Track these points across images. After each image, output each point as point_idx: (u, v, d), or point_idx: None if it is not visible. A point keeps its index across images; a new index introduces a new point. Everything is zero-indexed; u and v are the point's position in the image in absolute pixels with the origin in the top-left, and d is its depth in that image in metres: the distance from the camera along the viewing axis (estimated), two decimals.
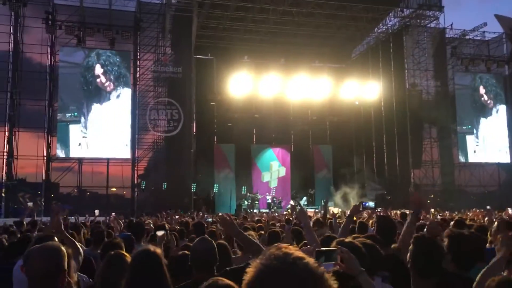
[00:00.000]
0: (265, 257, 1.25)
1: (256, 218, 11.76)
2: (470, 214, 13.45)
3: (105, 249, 4.32)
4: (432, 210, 13.97)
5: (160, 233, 5.24)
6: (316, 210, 22.21)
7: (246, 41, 28.72)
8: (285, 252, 1.26)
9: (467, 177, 29.76)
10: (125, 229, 8.26)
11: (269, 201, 27.43)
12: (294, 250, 1.27)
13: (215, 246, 3.35)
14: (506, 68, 31.70)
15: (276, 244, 1.30)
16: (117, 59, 25.23)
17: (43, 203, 23.82)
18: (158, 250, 2.85)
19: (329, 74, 28.60)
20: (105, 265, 3.18)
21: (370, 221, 8.14)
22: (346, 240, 3.08)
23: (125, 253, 3.30)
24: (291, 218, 10.86)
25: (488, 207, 15.49)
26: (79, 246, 4.40)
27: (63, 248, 2.50)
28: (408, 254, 2.95)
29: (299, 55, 28.92)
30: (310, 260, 1.25)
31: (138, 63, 25.86)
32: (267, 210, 24.89)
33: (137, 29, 25.52)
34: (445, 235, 3.47)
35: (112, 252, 3.30)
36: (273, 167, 30.25)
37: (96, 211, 14.77)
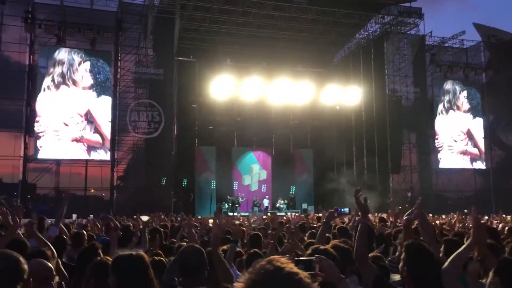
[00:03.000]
0: (255, 271, 1.17)
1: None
2: (447, 219, 13.68)
3: (83, 254, 4.26)
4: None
5: (145, 218, 5.19)
6: (297, 214, 22.34)
7: (228, 44, 28.70)
8: (276, 266, 1.18)
9: (444, 182, 30.25)
10: (104, 232, 8.17)
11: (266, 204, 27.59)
12: (286, 264, 1.20)
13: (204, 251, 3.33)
14: (483, 75, 32.35)
15: (270, 257, 1.21)
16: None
17: (20, 204, 23.33)
18: (143, 254, 2.79)
19: (311, 79, 28.77)
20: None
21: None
22: (321, 247, 3.11)
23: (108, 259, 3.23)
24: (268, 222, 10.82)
25: (465, 210, 15.75)
26: (53, 250, 4.33)
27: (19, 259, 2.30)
28: (401, 263, 2.97)
29: (281, 59, 29.01)
30: (303, 275, 1.18)
31: (119, 64, 25.59)
32: (247, 214, 24.88)
33: (119, 30, 25.28)
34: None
35: (98, 259, 3.24)
36: (254, 170, 30.28)
37: (74, 216, 14.53)
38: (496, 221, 12.02)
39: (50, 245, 4.28)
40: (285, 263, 1.22)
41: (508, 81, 30.12)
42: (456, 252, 3.10)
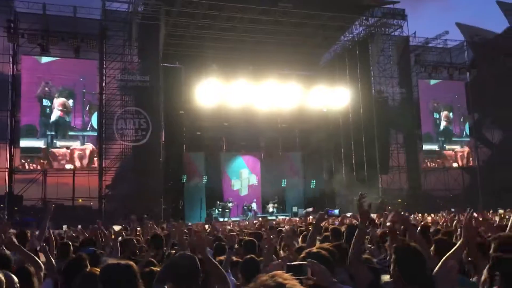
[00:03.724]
0: (256, 286, 1.13)
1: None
2: (437, 218, 13.75)
3: (69, 266, 4.17)
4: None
5: (117, 227, 5.15)
6: (297, 219, 22.29)
7: (214, 49, 28.64)
8: (278, 283, 1.15)
9: (432, 182, 30.48)
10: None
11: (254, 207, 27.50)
12: (289, 281, 1.18)
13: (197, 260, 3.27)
14: (467, 75, 32.72)
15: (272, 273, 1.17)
16: None
17: (6, 216, 23.00)
18: (131, 263, 2.74)
19: (298, 82, 28.85)
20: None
21: None
22: (314, 250, 3.08)
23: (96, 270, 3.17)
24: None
25: (452, 209, 15.81)
26: (39, 262, 4.25)
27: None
28: (392, 265, 2.95)
29: (268, 62, 29.04)
30: None
31: (104, 72, 25.40)
32: (237, 219, 24.80)
33: (103, 37, 25.09)
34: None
35: (87, 270, 3.17)
36: (243, 175, 30.25)
37: (64, 227, 14.38)
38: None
39: (34, 258, 4.19)
40: (287, 279, 1.20)
41: (492, 79, 30.49)
42: (448, 254, 3.11)
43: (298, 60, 31.23)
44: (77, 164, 24.73)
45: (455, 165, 31.34)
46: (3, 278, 2.17)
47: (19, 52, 24.50)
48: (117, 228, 11.34)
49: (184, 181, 27.64)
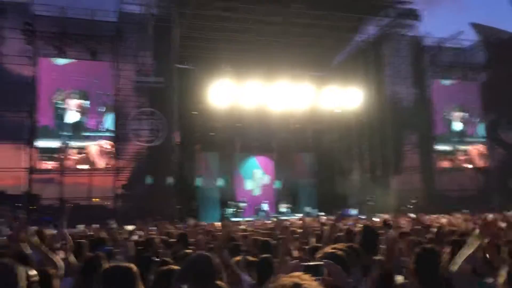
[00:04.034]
0: (276, 286, 1.16)
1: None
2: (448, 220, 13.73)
3: (87, 265, 4.34)
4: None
5: (130, 227, 5.28)
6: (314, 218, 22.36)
7: (227, 50, 28.79)
8: (295, 283, 1.20)
9: (446, 182, 30.26)
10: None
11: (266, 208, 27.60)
12: (308, 281, 1.22)
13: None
14: (483, 75, 32.41)
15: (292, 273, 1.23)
16: None
17: (23, 216, 23.42)
18: (131, 265, 2.80)
19: (311, 82, 28.86)
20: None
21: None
22: (331, 251, 3.19)
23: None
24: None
25: (463, 211, 15.78)
26: (58, 261, 4.36)
27: (17, 270, 2.35)
28: (411, 267, 2.99)
29: (281, 63, 29.06)
30: None
31: (119, 73, 25.70)
32: (251, 219, 24.91)
33: (119, 40, 25.40)
34: None
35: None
36: (256, 175, 30.37)
37: (81, 226, 14.61)
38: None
39: (52, 258, 4.31)
40: (306, 280, 1.26)
41: (508, 80, 30.19)
42: (465, 253, 3.12)
43: (310, 61, 31.21)
44: (95, 161, 25.15)
45: (469, 166, 31.09)
46: (23, 272, 2.29)
47: (37, 55, 24.93)
48: (130, 228, 11.53)
49: (199, 184, 27.90)
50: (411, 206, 25.06)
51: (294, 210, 28.76)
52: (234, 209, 27.07)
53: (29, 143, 24.45)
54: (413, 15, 28.58)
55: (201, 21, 26.53)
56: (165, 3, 25.14)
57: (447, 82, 31.43)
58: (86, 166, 25.12)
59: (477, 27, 32.33)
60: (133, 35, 25.52)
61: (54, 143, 24.67)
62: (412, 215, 11.79)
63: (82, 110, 25.25)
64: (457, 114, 31.59)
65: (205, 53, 28.87)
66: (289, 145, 31.78)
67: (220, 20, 26.45)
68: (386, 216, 15.41)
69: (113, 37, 25.30)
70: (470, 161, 31.38)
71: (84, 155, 25.12)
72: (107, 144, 25.53)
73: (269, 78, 27.86)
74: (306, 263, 2.58)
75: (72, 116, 25.08)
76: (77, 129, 25.11)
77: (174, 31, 25.37)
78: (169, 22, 24.96)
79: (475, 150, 31.71)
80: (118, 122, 25.40)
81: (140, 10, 25.41)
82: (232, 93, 26.96)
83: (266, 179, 30.42)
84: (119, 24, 25.57)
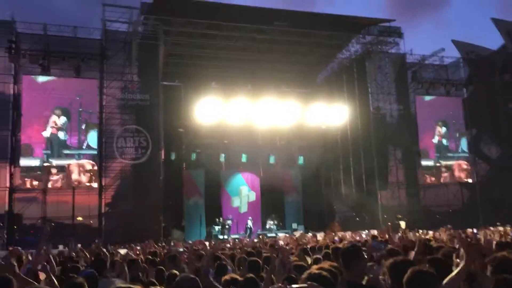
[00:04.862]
0: None
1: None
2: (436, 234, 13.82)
3: None
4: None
5: (122, 251, 5.22)
6: (287, 235, 22.33)
7: (213, 67, 28.98)
8: None
9: (432, 197, 30.49)
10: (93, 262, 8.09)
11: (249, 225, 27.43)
12: None
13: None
14: (464, 91, 32.99)
15: None
16: None
17: (6, 236, 22.97)
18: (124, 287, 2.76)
19: (296, 99, 29.06)
20: None
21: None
22: (315, 271, 3.17)
23: None
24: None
25: (448, 226, 15.88)
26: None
27: None
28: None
29: (266, 80, 29.33)
30: None
31: (104, 91, 25.60)
32: (237, 236, 24.78)
33: (103, 57, 25.35)
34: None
35: None
36: (243, 192, 30.28)
37: (60, 246, 14.40)
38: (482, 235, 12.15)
39: (30, 281, 4.20)
40: None
41: (488, 95, 30.78)
42: (450, 277, 3.11)
43: (295, 78, 31.54)
44: (78, 179, 24.82)
45: (451, 181, 31.43)
46: None
47: (20, 72, 24.74)
48: (122, 252, 11.38)
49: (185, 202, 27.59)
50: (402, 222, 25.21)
51: (280, 227, 28.69)
52: (221, 227, 26.89)
53: (11, 161, 24.09)
54: (396, 32, 29.13)
55: (186, 38, 26.68)
56: (150, 21, 25.22)
57: (429, 98, 31.89)
58: (68, 185, 24.76)
59: (458, 44, 33.00)
60: (118, 53, 25.50)
61: (36, 162, 24.31)
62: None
63: (58, 126, 24.91)
64: (440, 130, 32.01)
65: (191, 70, 29.02)
66: (276, 162, 31.81)
67: (205, 37, 26.63)
68: (374, 232, 15.45)
69: (98, 55, 25.23)
70: (453, 176, 31.70)
71: (66, 173, 24.77)
72: (89, 163, 25.24)
73: (255, 95, 28.01)
74: (289, 285, 2.57)
75: (54, 134, 24.76)
76: (55, 147, 24.76)
77: (159, 48, 25.43)
78: (154, 40, 25.04)
79: (459, 165, 32.07)
80: (103, 139, 25.17)
81: (125, 28, 25.46)
82: (218, 110, 26.99)
83: (252, 196, 30.33)
84: (104, 42, 25.54)
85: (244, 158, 30.05)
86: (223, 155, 29.73)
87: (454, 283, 3.12)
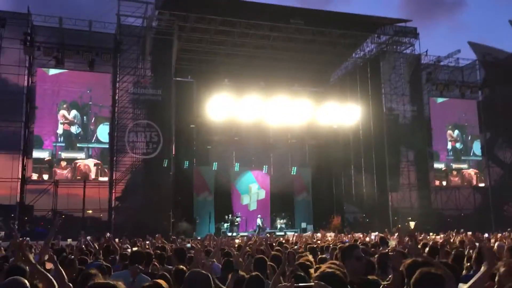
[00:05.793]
0: None
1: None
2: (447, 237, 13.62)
3: (79, 280, 4.19)
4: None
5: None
6: (296, 234, 22.21)
7: (226, 64, 28.93)
8: None
9: (443, 200, 30.19)
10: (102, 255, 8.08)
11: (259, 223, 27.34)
12: None
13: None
14: (479, 93, 32.55)
15: None
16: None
17: (17, 226, 23.17)
18: (118, 283, 2.69)
19: (308, 98, 28.93)
20: None
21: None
22: (328, 270, 3.09)
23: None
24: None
25: (462, 230, 15.71)
26: (51, 278, 4.22)
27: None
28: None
29: (279, 78, 29.21)
30: None
31: (117, 85, 25.68)
32: (246, 234, 24.72)
33: (117, 51, 25.42)
34: None
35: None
36: (252, 189, 30.22)
37: (69, 240, 14.45)
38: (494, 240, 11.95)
39: (47, 275, 4.17)
40: None
41: (504, 99, 30.33)
42: (472, 281, 3.05)
43: (309, 77, 31.39)
44: (88, 172, 24.95)
45: (462, 184, 31.05)
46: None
47: (35, 65, 24.91)
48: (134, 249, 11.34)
49: (195, 198, 27.59)
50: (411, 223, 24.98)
51: (290, 226, 28.59)
52: (230, 224, 26.86)
53: (24, 153, 24.28)
54: (411, 33, 28.83)
55: (200, 34, 26.66)
56: (165, 16, 25.23)
57: (442, 100, 31.52)
58: (79, 178, 24.88)
59: (474, 46, 32.55)
60: (132, 47, 25.55)
61: (45, 154, 24.43)
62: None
63: (68, 121, 25.00)
64: (452, 133, 31.64)
65: (204, 66, 28.99)
66: (286, 160, 31.71)
67: (219, 33, 26.58)
68: (382, 234, 15.27)
69: (112, 49, 25.30)
70: (466, 179, 31.32)
71: (77, 166, 24.87)
72: (99, 156, 25.33)
73: (267, 92, 27.91)
74: (296, 284, 2.50)
75: (60, 127, 24.83)
76: (66, 140, 24.86)
77: (173, 43, 25.44)
78: (168, 35, 25.04)
79: (472, 168, 31.68)
80: (114, 133, 25.26)
81: (140, 23, 25.50)
82: (230, 107, 26.93)
83: (261, 193, 30.25)
84: (118, 36, 25.60)
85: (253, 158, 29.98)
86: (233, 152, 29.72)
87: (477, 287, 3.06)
